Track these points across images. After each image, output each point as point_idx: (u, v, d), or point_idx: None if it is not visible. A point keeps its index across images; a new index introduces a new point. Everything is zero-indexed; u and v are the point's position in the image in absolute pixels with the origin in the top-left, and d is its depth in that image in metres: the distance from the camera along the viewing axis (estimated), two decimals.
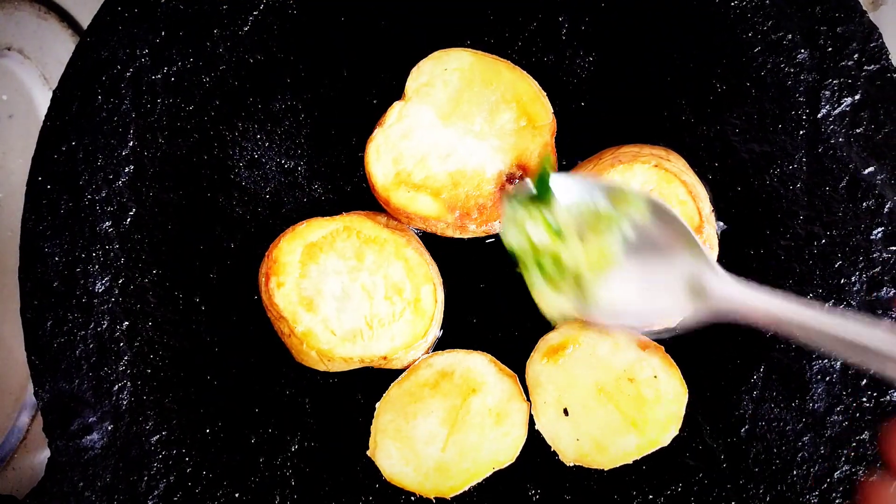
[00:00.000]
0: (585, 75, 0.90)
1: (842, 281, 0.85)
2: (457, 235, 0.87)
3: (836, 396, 0.84)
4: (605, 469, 0.83)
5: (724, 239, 0.85)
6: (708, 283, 0.54)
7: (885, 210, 0.84)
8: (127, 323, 0.88)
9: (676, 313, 0.56)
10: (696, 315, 0.53)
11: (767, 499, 0.83)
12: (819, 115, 0.86)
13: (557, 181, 0.66)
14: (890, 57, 0.85)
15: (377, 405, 0.85)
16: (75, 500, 0.85)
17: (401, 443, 0.83)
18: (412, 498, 0.86)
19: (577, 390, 0.83)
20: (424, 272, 0.84)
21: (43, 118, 0.89)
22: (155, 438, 0.87)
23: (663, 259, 0.57)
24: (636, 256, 0.58)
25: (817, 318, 0.46)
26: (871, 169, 0.85)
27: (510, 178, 0.83)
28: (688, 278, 0.55)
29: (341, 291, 0.82)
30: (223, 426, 0.88)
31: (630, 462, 0.82)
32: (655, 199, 0.61)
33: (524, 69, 0.86)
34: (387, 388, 0.85)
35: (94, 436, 0.86)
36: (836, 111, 0.86)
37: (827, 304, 0.84)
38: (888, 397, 0.83)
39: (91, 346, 0.87)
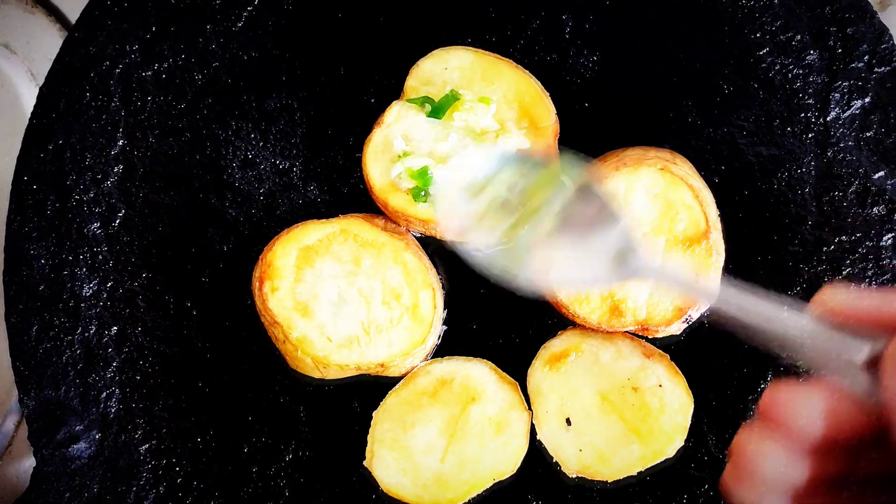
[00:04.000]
0: (589, 75, 0.89)
1: None
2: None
3: None
4: (609, 481, 0.82)
5: (730, 244, 0.84)
6: (632, 254, 0.60)
7: None
8: (115, 328, 0.86)
9: (602, 281, 0.63)
10: (618, 281, 0.62)
11: None
12: (828, 118, 0.85)
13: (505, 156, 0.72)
14: None
15: (374, 414, 0.84)
16: None
17: (398, 453, 0.82)
18: None
19: (579, 399, 0.82)
20: (423, 277, 0.82)
21: (29, 115, 0.88)
22: (144, 448, 0.85)
23: (591, 232, 0.63)
24: (566, 230, 0.65)
25: (697, 286, 0.53)
26: (881, 174, 0.84)
27: None
28: (615, 249, 0.61)
29: (337, 296, 0.81)
30: (215, 435, 0.86)
31: (634, 474, 0.81)
32: (586, 183, 0.67)
33: (526, 69, 0.86)
34: (384, 397, 0.84)
35: (81, 445, 0.85)
36: (846, 114, 0.85)
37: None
38: None
39: (78, 352, 0.86)
